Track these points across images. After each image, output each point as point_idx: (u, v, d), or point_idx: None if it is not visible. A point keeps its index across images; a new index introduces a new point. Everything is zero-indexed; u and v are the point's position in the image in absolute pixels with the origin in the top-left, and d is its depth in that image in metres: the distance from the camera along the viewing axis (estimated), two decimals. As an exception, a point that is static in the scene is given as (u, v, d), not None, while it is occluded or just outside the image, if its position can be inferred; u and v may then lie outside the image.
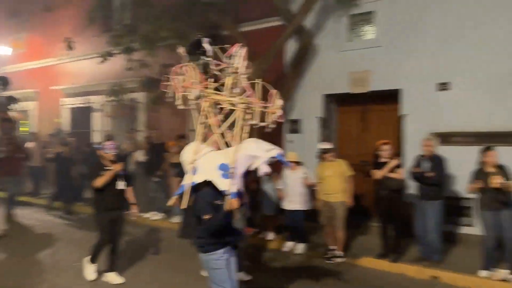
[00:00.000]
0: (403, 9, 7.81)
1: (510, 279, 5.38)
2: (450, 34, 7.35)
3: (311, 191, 6.94)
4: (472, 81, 7.09)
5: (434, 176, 5.95)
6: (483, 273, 5.56)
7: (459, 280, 5.59)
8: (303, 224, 7.01)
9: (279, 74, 8.71)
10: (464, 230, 7.05)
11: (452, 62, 7.29)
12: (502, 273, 5.45)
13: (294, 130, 9.01)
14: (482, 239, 5.65)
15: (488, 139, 6.48)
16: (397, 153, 7.08)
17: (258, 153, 3.66)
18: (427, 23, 7.56)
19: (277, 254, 6.87)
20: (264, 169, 3.66)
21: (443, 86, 7.36)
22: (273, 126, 3.85)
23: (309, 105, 8.82)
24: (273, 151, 3.70)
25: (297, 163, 6.96)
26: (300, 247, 6.94)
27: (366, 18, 8.34)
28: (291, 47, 8.83)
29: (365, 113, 8.65)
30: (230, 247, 3.70)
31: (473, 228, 6.74)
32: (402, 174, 6.23)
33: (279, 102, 3.86)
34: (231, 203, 3.52)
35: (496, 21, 6.96)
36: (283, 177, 7.07)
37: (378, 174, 6.21)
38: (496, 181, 5.25)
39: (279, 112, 3.85)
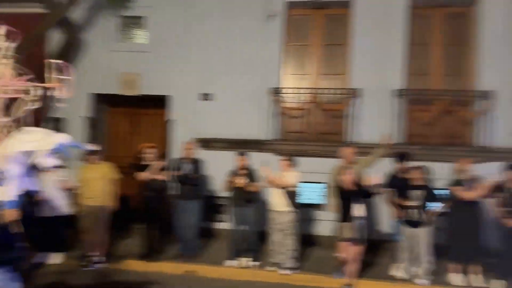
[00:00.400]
0: (171, 20, 8.15)
1: (250, 266, 6.32)
2: (209, 49, 8.04)
3: (71, 195, 6.53)
4: (230, 94, 7.98)
5: (198, 177, 6.46)
6: (229, 262, 6.36)
7: (210, 272, 6.23)
8: (63, 232, 6.53)
9: (40, 66, 7.85)
10: (219, 225, 7.90)
11: (212, 75, 8.04)
12: (244, 261, 6.36)
13: (57, 130, 8.25)
14: (230, 232, 6.47)
15: (241, 145, 7.38)
16: (163, 155, 7.39)
17: (33, 147, 3.03)
18: (190, 36, 8.09)
19: (32, 268, 6.15)
20: (48, 163, 3.07)
21: (206, 97, 8.07)
22: (63, 105, 3.26)
23: (76, 103, 8.23)
24: (53, 140, 3.08)
25: (59, 166, 6.43)
26: (57, 257, 6.42)
27: (137, 22, 8.39)
28: (55, 39, 8.11)
29: (135, 116, 8.71)
30: (7, 267, 3.13)
31: (226, 223, 7.61)
32: (166, 175, 6.54)
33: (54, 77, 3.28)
34: (7, 214, 2.99)
35: (245, 41, 7.91)
36: (39, 181, 6.40)
37: (141, 176, 6.35)
38: (239, 181, 6.13)
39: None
